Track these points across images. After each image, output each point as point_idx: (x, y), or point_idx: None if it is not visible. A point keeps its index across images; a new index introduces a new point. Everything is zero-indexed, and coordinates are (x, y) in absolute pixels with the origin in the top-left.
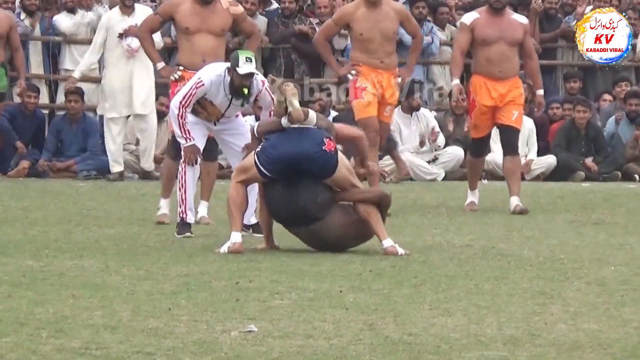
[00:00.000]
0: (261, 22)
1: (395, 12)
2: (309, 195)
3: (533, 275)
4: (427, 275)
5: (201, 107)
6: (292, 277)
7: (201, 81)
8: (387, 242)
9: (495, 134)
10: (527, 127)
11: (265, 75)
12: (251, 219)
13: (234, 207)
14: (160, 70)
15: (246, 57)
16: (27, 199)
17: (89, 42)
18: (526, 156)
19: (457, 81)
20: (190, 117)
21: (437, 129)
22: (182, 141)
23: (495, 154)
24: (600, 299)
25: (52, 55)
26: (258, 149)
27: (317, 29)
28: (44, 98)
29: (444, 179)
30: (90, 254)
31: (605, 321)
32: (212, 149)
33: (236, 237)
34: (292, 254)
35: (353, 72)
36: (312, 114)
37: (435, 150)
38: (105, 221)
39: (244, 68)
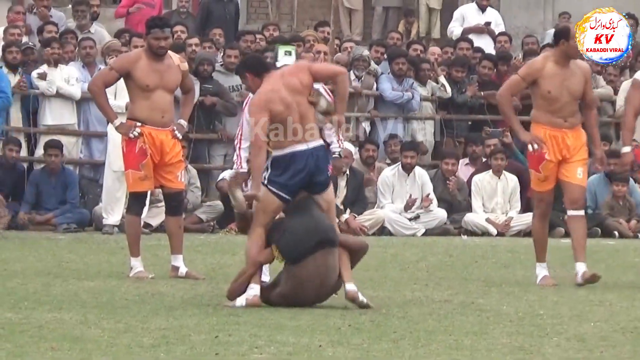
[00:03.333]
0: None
1: (582, 71)
2: (324, 218)
3: (512, 331)
4: (406, 330)
5: None
6: (272, 330)
7: (249, 96)
8: (351, 286)
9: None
10: (511, 184)
11: None
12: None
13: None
14: (117, 128)
15: (285, 51)
16: (6, 251)
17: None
18: (506, 213)
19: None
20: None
21: (432, 195)
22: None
23: (474, 214)
24: (579, 355)
25: (33, 109)
26: (264, 182)
27: None
28: (23, 151)
29: (424, 234)
30: (70, 306)
31: None
32: (178, 203)
33: (255, 289)
34: (271, 308)
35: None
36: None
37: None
38: (85, 274)
39: (281, 61)
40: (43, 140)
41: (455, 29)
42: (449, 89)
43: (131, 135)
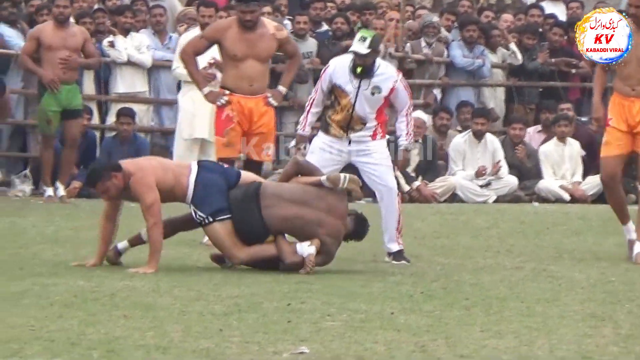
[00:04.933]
0: (312, 44)
1: None
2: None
3: (584, 298)
4: (478, 297)
5: (335, 98)
6: (344, 298)
7: (328, 65)
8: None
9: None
10: (576, 149)
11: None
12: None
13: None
14: (206, 95)
15: (361, 37)
16: (78, 220)
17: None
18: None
19: None
20: (320, 142)
21: (502, 161)
22: (299, 126)
23: (547, 181)
24: None
25: (104, 77)
26: None
27: None
28: (94, 119)
29: (495, 201)
30: (142, 274)
31: None
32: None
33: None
34: (343, 275)
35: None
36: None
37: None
38: None
39: (353, 47)
40: (114, 108)
41: None
42: (519, 55)
43: (218, 103)
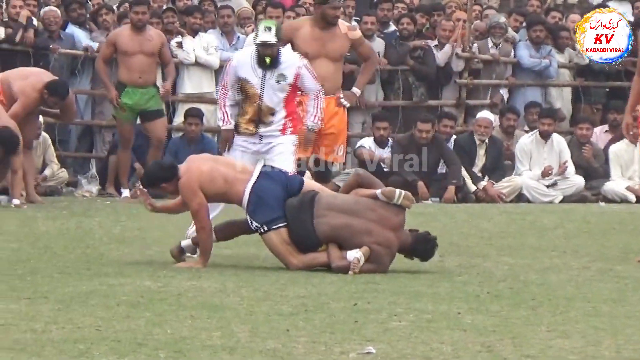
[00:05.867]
0: (379, 44)
1: None
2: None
3: None
4: (544, 297)
5: (243, 92)
6: (410, 298)
7: (231, 59)
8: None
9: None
10: None
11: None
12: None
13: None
14: None
15: (265, 27)
16: (144, 219)
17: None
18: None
19: None
20: (237, 144)
21: (569, 162)
22: (219, 123)
23: (613, 183)
24: None
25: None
26: None
27: (434, 51)
28: None
29: (562, 201)
30: (208, 274)
31: None
32: (325, 171)
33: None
34: (410, 275)
35: None
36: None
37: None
38: (223, 242)
39: (260, 37)
40: (181, 108)
41: None
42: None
43: None
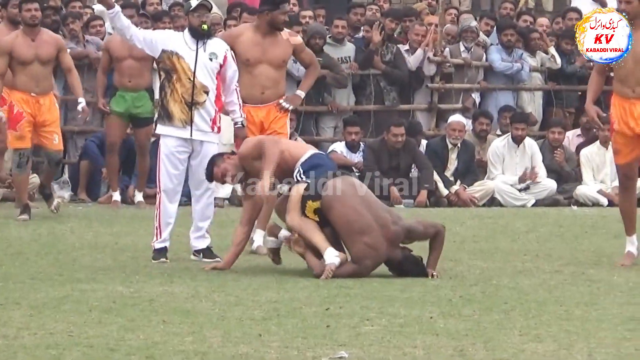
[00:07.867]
0: (350, 48)
1: None
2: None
3: (623, 301)
4: (517, 301)
5: (172, 69)
6: (383, 303)
7: (163, 31)
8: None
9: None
10: None
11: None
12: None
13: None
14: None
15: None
16: (116, 225)
17: None
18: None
19: None
20: (166, 148)
21: (538, 168)
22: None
23: (585, 187)
24: None
25: None
26: None
27: (405, 56)
28: None
29: (534, 205)
30: (180, 280)
31: None
32: None
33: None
34: (382, 280)
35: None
36: None
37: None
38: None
39: (194, 2)
40: None
41: None
42: (558, 59)
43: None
